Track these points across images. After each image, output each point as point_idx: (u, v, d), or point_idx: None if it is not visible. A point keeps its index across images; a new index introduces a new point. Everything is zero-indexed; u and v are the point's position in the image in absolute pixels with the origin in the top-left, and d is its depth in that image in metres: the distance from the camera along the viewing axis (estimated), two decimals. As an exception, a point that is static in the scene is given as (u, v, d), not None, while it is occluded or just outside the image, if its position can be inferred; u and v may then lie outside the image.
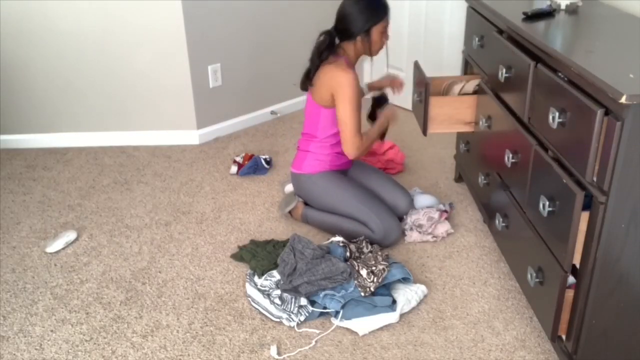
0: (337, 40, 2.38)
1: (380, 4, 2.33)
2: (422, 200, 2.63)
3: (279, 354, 1.91)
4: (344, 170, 2.60)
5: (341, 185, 2.47)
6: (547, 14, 2.11)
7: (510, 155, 1.99)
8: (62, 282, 2.29)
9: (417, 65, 2.61)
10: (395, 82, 2.71)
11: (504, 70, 2.05)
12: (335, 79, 2.31)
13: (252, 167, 3.07)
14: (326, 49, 2.36)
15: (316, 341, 1.97)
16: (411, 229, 2.48)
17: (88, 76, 3.27)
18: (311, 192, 2.53)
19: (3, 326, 2.06)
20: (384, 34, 2.38)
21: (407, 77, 3.78)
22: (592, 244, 1.55)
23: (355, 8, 2.30)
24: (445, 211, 2.57)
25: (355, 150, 2.37)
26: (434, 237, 2.46)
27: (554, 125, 1.65)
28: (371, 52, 2.40)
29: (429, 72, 3.60)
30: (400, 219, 2.52)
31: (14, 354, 1.94)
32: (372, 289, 2.06)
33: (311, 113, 2.48)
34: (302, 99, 3.65)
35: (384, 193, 2.55)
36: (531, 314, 2.07)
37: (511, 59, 2.01)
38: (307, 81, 2.43)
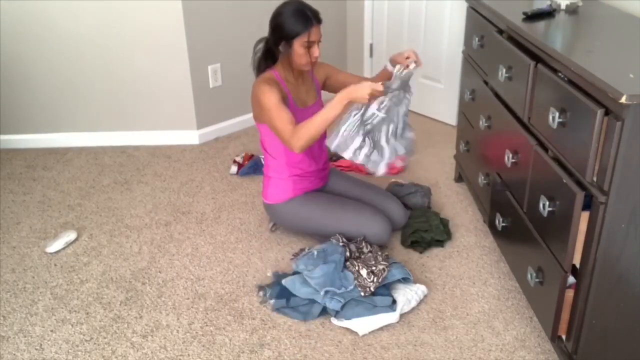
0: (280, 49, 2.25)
1: (302, 15, 2.16)
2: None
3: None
4: (317, 188, 2.49)
5: (312, 206, 2.38)
6: (547, 14, 2.11)
7: (510, 155, 1.99)
8: (62, 282, 2.29)
9: None
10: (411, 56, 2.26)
11: (504, 70, 2.05)
12: (254, 96, 2.25)
13: (252, 167, 3.07)
14: (263, 60, 2.30)
15: (316, 341, 1.97)
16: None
17: (88, 76, 3.28)
18: (284, 221, 2.46)
19: (3, 326, 2.06)
20: (310, 50, 2.19)
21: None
22: (592, 244, 1.55)
23: (279, 17, 2.19)
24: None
25: (296, 143, 2.11)
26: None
27: (554, 125, 1.65)
28: (293, 64, 2.25)
29: (428, 73, 3.62)
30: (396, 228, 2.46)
31: (14, 354, 1.94)
32: (372, 289, 2.06)
33: (259, 129, 2.40)
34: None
35: (375, 203, 2.46)
36: (531, 314, 2.07)
37: (511, 59, 2.01)
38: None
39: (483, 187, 2.40)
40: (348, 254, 2.20)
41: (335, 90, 2.50)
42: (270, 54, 2.30)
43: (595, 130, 1.45)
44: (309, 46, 2.19)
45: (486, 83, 2.35)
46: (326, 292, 2.07)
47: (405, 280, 2.17)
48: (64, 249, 2.49)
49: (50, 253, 2.46)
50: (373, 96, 2.02)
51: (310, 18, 2.17)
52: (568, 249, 1.59)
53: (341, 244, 2.24)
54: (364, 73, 4.04)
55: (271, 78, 2.26)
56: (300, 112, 2.32)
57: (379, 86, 2.01)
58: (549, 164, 1.70)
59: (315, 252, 2.19)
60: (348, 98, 2.04)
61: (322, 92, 2.49)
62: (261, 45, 2.32)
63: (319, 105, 2.43)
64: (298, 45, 2.18)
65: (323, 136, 2.49)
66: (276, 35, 2.21)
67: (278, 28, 2.19)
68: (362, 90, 2.01)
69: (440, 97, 3.62)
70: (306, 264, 2.16)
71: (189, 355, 1.92)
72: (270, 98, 2.18)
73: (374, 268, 2.11)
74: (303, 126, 2.12)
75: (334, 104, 2.07)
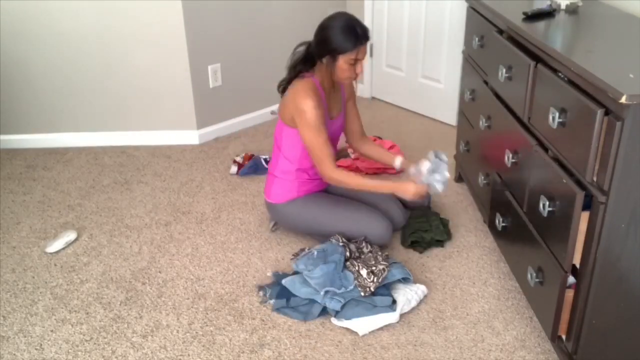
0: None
1: (353, 33, 2.13)
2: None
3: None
4: (319, 190, 2.49)
5: (314, 207, 2.38)
6: (547, 14, 2.11)
7: (510, 155, 1.99)
8: (62, 282, 2.29)
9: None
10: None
11: (504, 70, 2.05)
12: (294, 102, 2.20)
13: (252, 167, 3.07)
14: (301, 63, 2.26)
15: (316, 341, 1.97)
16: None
17: (88, 76, 3.27)
18: (286, 221, 2.47)
19: (3, 326, 2.06)
20: (354, 66, 2.18)
21: (405, 76, 3.78)
22: (592, 244, 1.55)
23: (328, 30, 2.14)
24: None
25: (325, 178, 2.27)
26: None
27: (554, 125, 1.65)
28: (334, 77, 2.23)
29: (428, 73, 3.62)
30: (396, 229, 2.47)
31: (14, 354, 1.94)
32: (372, 289, 2.06)
33: (278, 128, 2.38)
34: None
35: (376, 204, 2.45)
36: (531, 314, 2.07)
37: (511, 59, 2.01)
38: (281, 89, 2.34)
39: (483, 187, 2.40)
40: (348, 254, 2.20)
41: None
42: (309, 59, 2.25)
43: (595, 130, 1.45)
44: (354, 63, 2.17)
45: (486, 83, 2.35)
46: (326, 292, 2.07)
47: (405, 280, 2.17)
48: (64, 249, 2.49)
49: (50, 253, 2.46)
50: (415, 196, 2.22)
51: (360, 36, 2.14)
52: (568, 249, 1.59)
53: (341, 243, 2.24)
54: (364, 73, 4.03)
55: (314, 89, 2.21)
56: (329, 124, 2.31)
57: (423, 191, 2.21)
58: (549, 164, 1.70)
59: (315, 252, 2.19)
60: (393, 192, 2.28)
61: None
62: (302, 49, 2.27)
63: (342, 118, 2.43)
64: (343, 61, 2.15)
65: (335, 152, 2.47)
66: (322, 48, 2.17)
67: (325, 42, 2.15)
68: (407, 193, 2.23)
69: (440, 97, 3.62)
70: (306, 264, 2.16)
71: (189, 355, 1.92)
72: (316, 116, 2.17)
73: (374, 268, 2.11)
74: (348, 176, 2.27)
75: (380, 188, 2.30)
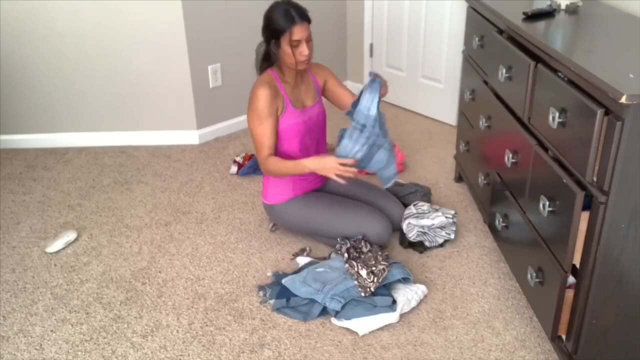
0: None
1: (286, 14, 2.16)
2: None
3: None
4: (316, 188, 2.50)
5: (312, 206, 2.38)
6: (547, 14, 2.11)
7: (510, 155, 1.99)
8: (62, 282, 2.29)
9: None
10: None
11: (504, 70, 2.05)
12: (250, 94, 2.27)
13: (252, 167, 3.07)
14: (264, 60, 2.31)
15: (316, 341, 1.97)
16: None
17: (88, 76, 3.28)
18: (285, 222, 2.46)
19: (3, 326, 2.06)
20: (297, 48, 2.20)
21: (405, 76, 3.78)
22: (592, 244, 1.54)
23: (267, 15, 2.22)
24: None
25: (266, 169, 2.28)
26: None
27: (554, 125, 1.65)
28: (285, 64, 2.26)
29: (428, 73, 3.62)
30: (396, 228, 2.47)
31: (14, 354, 1.94)
32: (372, 289, 2.06)
33: None
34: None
35: (375, 203, 2.46)
36: (531, 314, 2.07)
37: (511, 59, 2.01)
38: None
39: (483, 187, 2.40)
40: (347, 255, 2.20)
41: (330, 99, 2.50)
42: (270, 54, 2.30)
43: (595, 130, 1.45)
44: (296, 45, 2.20)
45: (486, 83, 2.35)
46: (326, 292, 2.07)
47: (405, 280, 2.17)
48: (64, 249, 2.49)
49: (50, 253, 2.46)
50: (340, 175, 2.14)
51: (294, 16, 2.17)
52: (568, 249, 1.59)
53: (340, 241, 2.24)
54: (364, 73, 4.05)
55: (269, 81, 2.26)
56: (297, 114, 2.32)
57: (343, 164, 2.12)
58: (549, 164, 1.70)
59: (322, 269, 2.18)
60: (316, 169, 2.19)
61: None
62: (262, 47, 2.32)
63: (319, 106, 2.43)
64: (284, 44, 2.20)
65: (322, 141, 2.49)
66: (265, 35, 2.24)
67: (265, 27, 2.23)
68: (330, 168, 2.15)
69: (440, 97, 3.62)
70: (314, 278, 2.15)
71: (189, 355, 1.92)
72: (263, 105, 2.21)
73: (374, 268, 2.11)
74: (278, 162, 2.24)
75: (303, 166, 2.20)
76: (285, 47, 2.20)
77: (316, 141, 2.44)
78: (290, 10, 2.18)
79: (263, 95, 2.21)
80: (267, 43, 2.26)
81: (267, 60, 2.31)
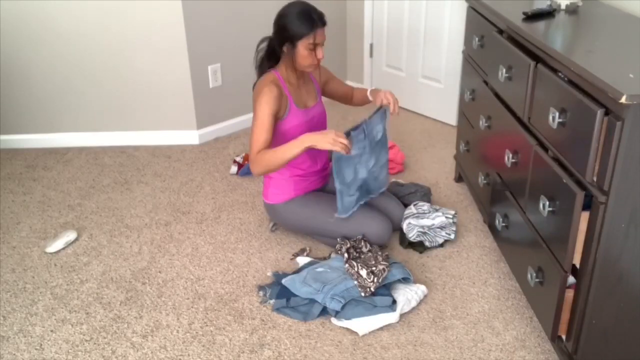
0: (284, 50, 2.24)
1: (308, 18, 2.15)
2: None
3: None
4: (317, 188, 2.50)
5: (312, 206, 2.38)
6: (547, 14, 2.11)
7: (510, 155, 1.99)
8: (62, 282, 2.29)
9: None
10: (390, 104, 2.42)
11: (504, 70, 2.05)
12: (254, 94, 2.26)
13: (252, 167, 3.07)
14: (266, 59, 2.30)
15: (316, 341, 1.97)
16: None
17: (88, 76, 3.28)
18: (285, 221, 2.46)
19: (3, 326, 2.06)
20: (314, 51, 2.20)
21: (405, 76, 3.78)
22: (592, 244, 1.55)
23: (284, 18, 2.18)
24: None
25: (254, 169, 2.18)
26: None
27: (554, 125, 1.65)
28: (296, 65, 2.25)
29: (428, 73, 3.62)
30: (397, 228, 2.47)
31: (14, 354, 1.94)
32: (372, 289, 2.06)
33: None
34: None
35: (375, 203, 2.46)
36: (531, 314, 2.07)
37: (511, 59, 2.01)
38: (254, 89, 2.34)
39: (483, 187, 2.40)
40: (347, 255, 2.20)
41: (331, 96, 2.53)
42: (273, 53, 2.30)
43: (595, 130, 1.45)
44: (313, 48, 2.20)
45: (486, 83, 2.35)
46: (326, 292, 2.07)
47: (405, 280, 2.17)
48: (64, 249, 2.49)
49: (50, 253, 2.46)
50: (335, 146, 2.05)
51: (316, 20, 2.17)
52: (568, 249, 1.59)
53: (340, 241, 2.24)
54: (364, 73, 4.05)
55: (274, 81, 2.25)
56: (301, 114, 2.32)
57: (342, 138, 2.05)
58: (549, 164, 1.70)
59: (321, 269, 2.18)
60: (310, 142, 2.07)
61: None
62: (264, 45, 2.32)
63: (320, 106, 2.43)
64: (302, 47, 2.18)
65: (318, 125, 2.49)
66: (280, 37, 2.21)
67: (283, 29, 2.19)
68: (325, 139, 2.05)
69: (440, 97, 3.62)
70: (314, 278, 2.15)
71: (189, 355, 1.92)
72: (265, 109, 2.19)
73: (374, 268, 2.11)
74: (266, 154, 2.14)
75: (296, 144, 2.09)
76: (303, 50, 2.19)
77: None
78: (311, 13, 2.17)
79: (271, 92, 2.19)
80: (279, 44, 2.23)
81: (270, 59, 2.30)
